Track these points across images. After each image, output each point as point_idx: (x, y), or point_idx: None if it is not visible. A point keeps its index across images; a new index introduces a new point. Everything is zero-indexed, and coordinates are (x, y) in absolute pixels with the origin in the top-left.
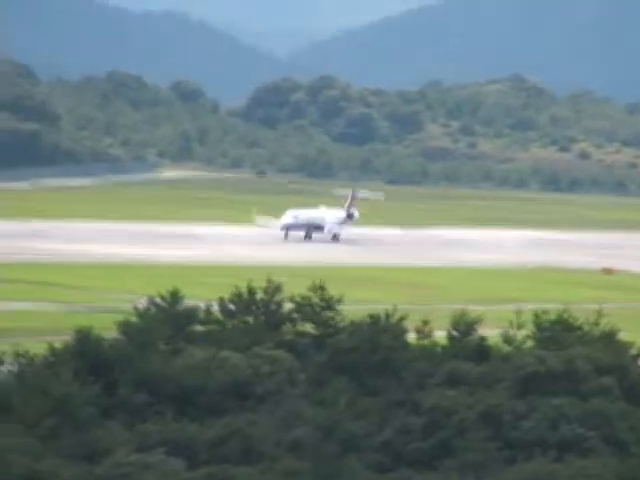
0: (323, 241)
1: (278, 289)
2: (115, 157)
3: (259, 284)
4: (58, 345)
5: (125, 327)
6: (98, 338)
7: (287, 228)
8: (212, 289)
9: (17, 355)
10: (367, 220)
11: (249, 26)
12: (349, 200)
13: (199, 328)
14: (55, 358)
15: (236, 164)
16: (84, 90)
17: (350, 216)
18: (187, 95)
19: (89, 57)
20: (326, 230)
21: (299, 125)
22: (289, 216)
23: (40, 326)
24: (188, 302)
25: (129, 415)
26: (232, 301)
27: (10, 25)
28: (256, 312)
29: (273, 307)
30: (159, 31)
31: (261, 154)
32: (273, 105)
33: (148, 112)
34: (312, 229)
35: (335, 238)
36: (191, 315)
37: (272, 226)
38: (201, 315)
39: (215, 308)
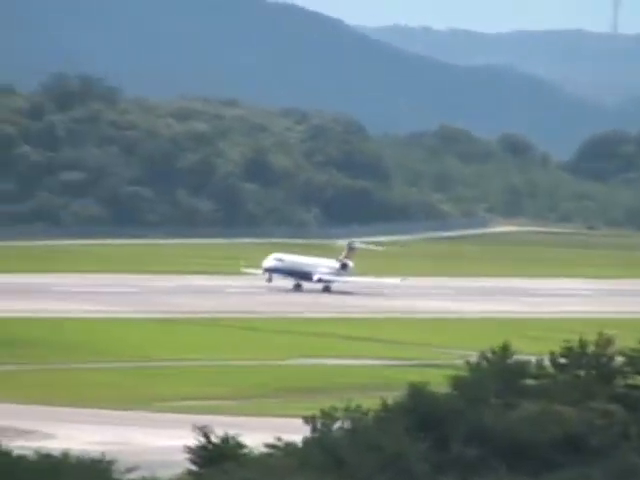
0: (314, 291)
1: (610, 342)
2: (445, 213)
3: (585, 337)
4: (390, 400)
5: (457, 381)
6: (430, 393)
7: (270, 271)
8: (537, 342)
9: (349, 411)
10: None
11: (576, 78)
12: (345, 251)
13: (530, 382)
14: (387, 413)
15: (565, 218)
16: (413, 145)
17: (344, 266)
18: (516, 149)
19: (416, 112)
20: (315, 278)
21: (629, 178)
22: (272, 259)
23: (369, 382)
24: (518, 356)
25: (461, 470)
26: (563, 354)
27: (340, 83)
28: (587, 365)
29: (604, 360)
30: (484, 84)
31: (590, 208)
32: (602, 158)
33: (477, 166)
34: (299, 277)
35: (327, 289)
36: (522, 369)
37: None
38: (532, 369)
39: (546, 362)
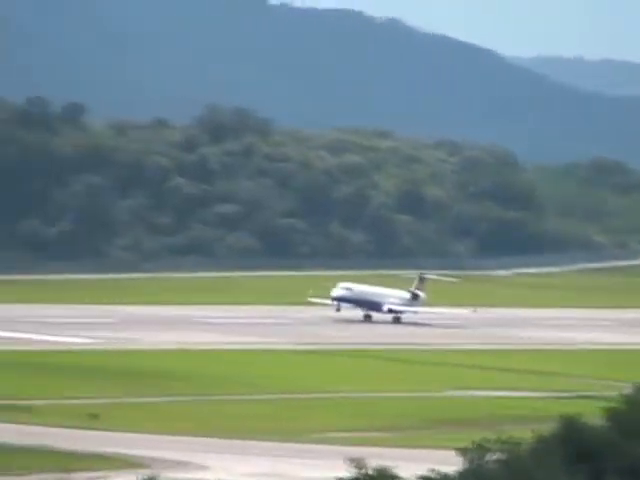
0: (384, 322)
1: None
2: (598, 244)
3: None
4: (544, 432)
5: (612, 414)
6: (584, 425)
7: (338, 300)
8: None
9: (502, 442)
10: None
11: None
12: (416, 282)
13: None
14: (542, 445)
15: None
16: (566, 176)
17: (415, 297)
18: None
19: (569, 142)
20: (385, 309)
21: None
22: (341, 288)
23: (520, 413)
24: None
25: None
26: None
27: (491, 114)
28: None
29: None
30: (637, 115)
31: None
32: None
33: (631, 198)
34: (368, 307)
35: (397, 319)
36: None
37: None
38: None
39: None
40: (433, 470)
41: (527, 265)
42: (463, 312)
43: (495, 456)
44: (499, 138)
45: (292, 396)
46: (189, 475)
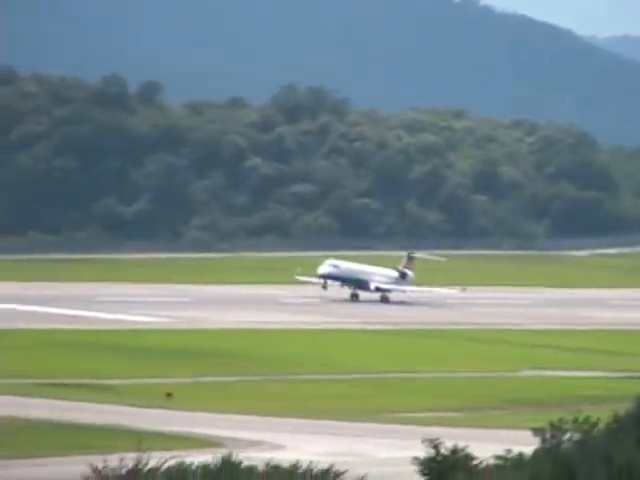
0: (372, 301)
1: None
2: None
3: None
4: (620, 412)
5: None
6: None
7: (325, 278)
8: None
9: (578, 422)
10: None
11: None
12: (404, 260)
13: None
14: (618, 425)
15: None
16: None
17: (403, 275)
18: None
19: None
20: (372, 287)
21: None
22: (327, 265)
23: (596, 393)
24: None
25: None
26: None
27: (570, 94)
28: None
29: None
30: None
31: None
32: None
33: None
34: (355, 285)
35: (384, 298)
36: None
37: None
38: None
39: None
40: (509, 450)
41: (603, 246)
42: (452, 292)
43: (571, 436)
44: (576, 118)
45: (366, 376)
46: (264, 454)
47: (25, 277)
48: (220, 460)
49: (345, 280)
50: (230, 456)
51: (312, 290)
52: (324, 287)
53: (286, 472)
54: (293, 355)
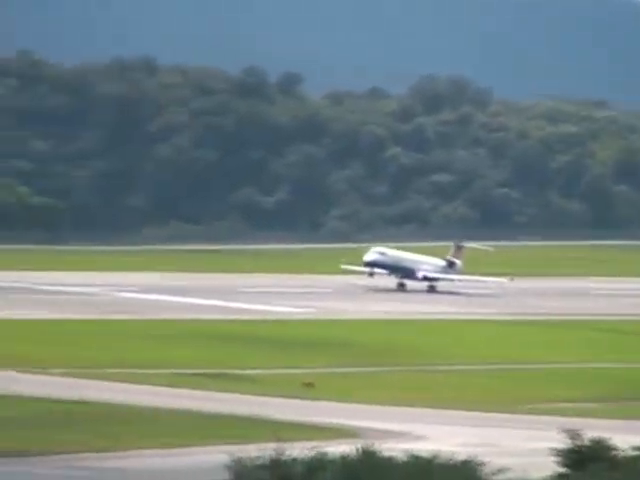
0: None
1: None
2: None
3: None
4: None
5: None
6: None
7: (372, 265)
8: None
9: None
10: None
11: None
12: (452, 249)
13: None
14: None
15: None
16: None
17: (451, 264)
18: None
19: None
20: (419, 275)
21: None
22: (374, 252)
23: None
24: None
25: None
26: None
27: None
28: None
29: None
30: None
31: None
32: None
33: None
34: (402, 273)
35: (432, 288)
36: None
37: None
38: None
39: None
40: None
41: None
42: (501, 281)
43: None
44: None
45: (501, 366)
46: (404, 445)
47: (166, 267)
48: (360, 450)
49: (392, 268)
50: (370, 446)
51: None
52: (371, 275)
53: (426, 462)
54: (432, 345)
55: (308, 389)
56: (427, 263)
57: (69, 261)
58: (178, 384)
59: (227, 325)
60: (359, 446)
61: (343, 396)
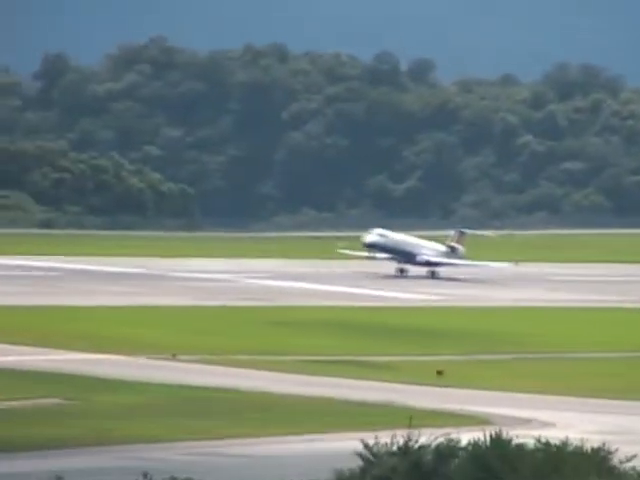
0: (420, 277)
1: None
2: None
3: None
4: None
5: None
6: None
7: (371, 247)
8: None
9: None
10: None
11: None
12: (455, 236)
13: None
14: None
15: None
16: None
17: (453, 250)
18: None
19: None
20: (418, 259)
21: None
22: (374, 234)
23: None
24: None
25: None
26: None
27: None
28: None
29: None
30: None
31: None
32: None
33: None
34: (403, 257)
35: (433, 274)
36: None
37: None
38: None
39: None
40: None
41: None
42: (505, 266)
43: None
44: None
45: (634, 354)
46: (534, 432)
47: (297, 254)
48: (490, 437)
49: (391, 251)
50: (500, 433)
51: (589, 268)
52: (371, 257)
53: (556, 449)
54: (565, 334)
55: (439, 376)
56: (428, 248)
57: (200, 248)
58: (311, 371)
59: (356, 312)
60: (489, 433)
61: (474, 384)
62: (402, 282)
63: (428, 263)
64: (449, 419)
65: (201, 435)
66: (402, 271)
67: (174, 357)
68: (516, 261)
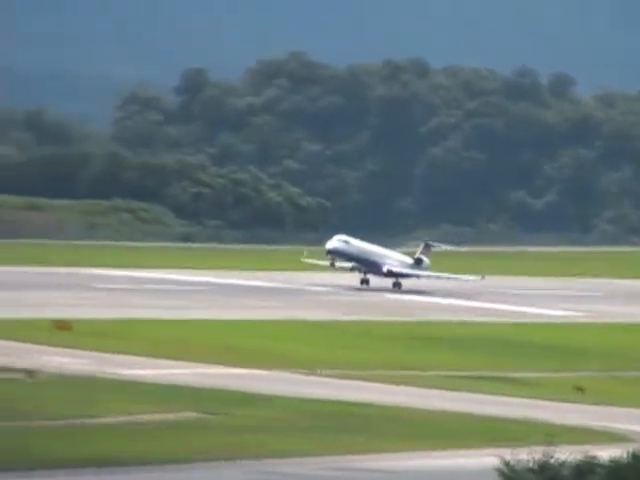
0: (383, 289)
1: None
2: None
3: None
4: None
5: None
6: None
7: (333, 254)
8: None
9: None
10: None
11: None
12: (420, 248)
13: None
14: None
15: None
16: None
17: (418, 261)
18: None
19: None
20: (384, 269)
21: None
22: (336, 240)
23: None
24: None
25: None
26: None
27: None
28: None
29: None
30: None
31: None
32: None
33: None
34: (366, 266)
35: (397, 285)
36: None
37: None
38: None
39: None
40: None
41: None
42: (471, 278)
43: None
44: None
45: None
46: None
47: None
48: (630, 455)
49: (354, 259)
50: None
51: None
52: (332, 265)
53: None
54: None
55: (579, 393)
56: (393, 258)
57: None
58: (450, 386)
59: (496, 328)
60: (630, 450)
61: (615, 400)
62: (547, 299)
63: (392, 274)
64: (589, 436)
65: (335, 450)
66: (365, 282)
67: (315, 372)
68: (482, 274)
